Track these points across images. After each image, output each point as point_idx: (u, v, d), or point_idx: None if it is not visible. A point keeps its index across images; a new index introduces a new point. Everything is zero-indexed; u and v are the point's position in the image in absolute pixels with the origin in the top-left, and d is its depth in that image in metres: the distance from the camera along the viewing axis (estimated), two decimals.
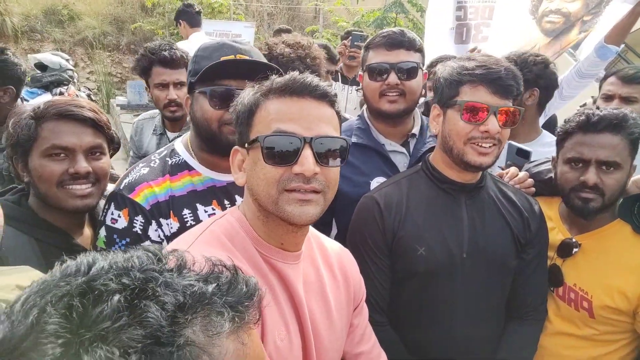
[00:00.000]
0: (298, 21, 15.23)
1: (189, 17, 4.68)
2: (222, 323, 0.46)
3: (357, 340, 1.29)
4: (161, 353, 0.39)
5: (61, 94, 5.31)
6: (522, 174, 1.77)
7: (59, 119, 1.36)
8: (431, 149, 1.84)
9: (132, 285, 0.43)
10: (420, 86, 1.84)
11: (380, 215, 1.53)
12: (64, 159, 1.35)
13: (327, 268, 1.20)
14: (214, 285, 0.48)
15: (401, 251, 1.51)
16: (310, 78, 1.00)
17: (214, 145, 1.38)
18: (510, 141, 2.05)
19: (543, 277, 1.67)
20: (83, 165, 1.36)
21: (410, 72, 1.77)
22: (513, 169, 1.80)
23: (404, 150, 1.89)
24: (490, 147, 1.42)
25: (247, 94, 1.05)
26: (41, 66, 5.23)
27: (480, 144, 1.42)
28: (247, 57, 1.38)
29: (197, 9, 4.85)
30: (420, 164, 1.63)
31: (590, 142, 1.54)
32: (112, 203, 1.37)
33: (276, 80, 1.01)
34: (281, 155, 0.95)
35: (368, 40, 1.90)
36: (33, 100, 4.81)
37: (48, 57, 5.25)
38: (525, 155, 1.97)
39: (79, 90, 7.12)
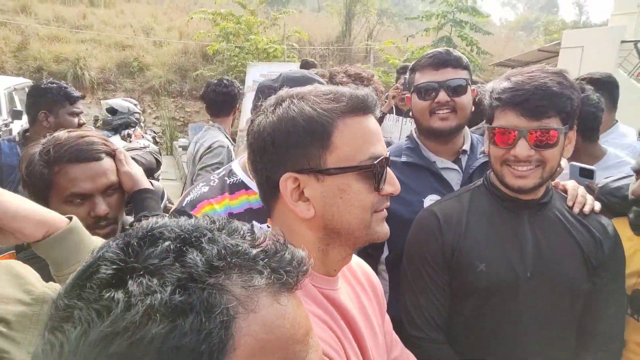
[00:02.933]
0: (349, 61, 15.64)
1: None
2: (259, 279, 0.49)
3: (389, 347, 1.24)
4: (192, 288, 0.45)
5: (129, 135, 5.75)
6: (580, 192, 1.63)
7: (72, 163, 1.33)
8: (484, 165, 1.81)
9: (182, 235, 0.50)
10: (470, 102, 1.82)
11: (439, 229, 1.49)
12: (83, 203, 1.37)
13: (356, 281, 1.15)
14: (259, 249, 0.52)
15: (460, 267, 1.46)
16: (373, 93, 0.96)
17: None
18: (572, 162, 1.94)
19: (619, 304, 1.51)
20: (103, 208, 1.37)
21: (459, 89, 1.77)
22: (577, 189, 1.66)
23: (456, 167, 1.86)
24: (528, 170, 1.36)
25: (307, 109, 0.89)
26: (112, 110, 5.70)
27: (515, 167, 1.37)
28: None
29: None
30: (482, 179, 1.58)
31: None
32: None
33: (353, 96, 0.91)
34: (379, 180, 0.92)
35: (413, 62, 1.90)
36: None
37: (118, 102, 5.72)
38: (589, 174, 1.86)
39: (145, 133, 7.65)
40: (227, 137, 3.19)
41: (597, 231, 1.47)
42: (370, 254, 1.84)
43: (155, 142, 7.49)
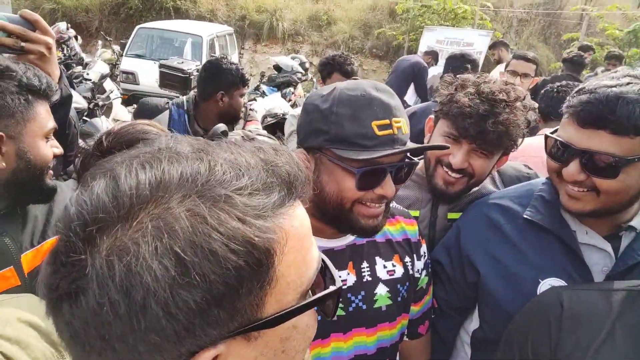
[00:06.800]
0: (555, 28, 13.43)
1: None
2: None
3: None
4: None
5: (291, 93, 6.03)
6: None
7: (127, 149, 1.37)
8: None
9: None
10: (630, 185, 1.14)
11: (557, 324, 1.05)
12: None
13: None
14: None
15: None
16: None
17: (337, 222, 1.13)
18: None
19: None
20: None
21: (604, 171, 1.12)
22: None
23: (608, 247, 1.24)
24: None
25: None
26: (277, 67, 6.01)
27: None
28: (401, 121, 1.06)
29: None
30: None
31: None
32: None
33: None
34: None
35: (574, 91, 1.18)
36: (267, 97, 5.60)
37: (283, 60, 5.96)
38: None
39: (309, 91, 7.94)
40: None
41: None
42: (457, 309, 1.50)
43: None
